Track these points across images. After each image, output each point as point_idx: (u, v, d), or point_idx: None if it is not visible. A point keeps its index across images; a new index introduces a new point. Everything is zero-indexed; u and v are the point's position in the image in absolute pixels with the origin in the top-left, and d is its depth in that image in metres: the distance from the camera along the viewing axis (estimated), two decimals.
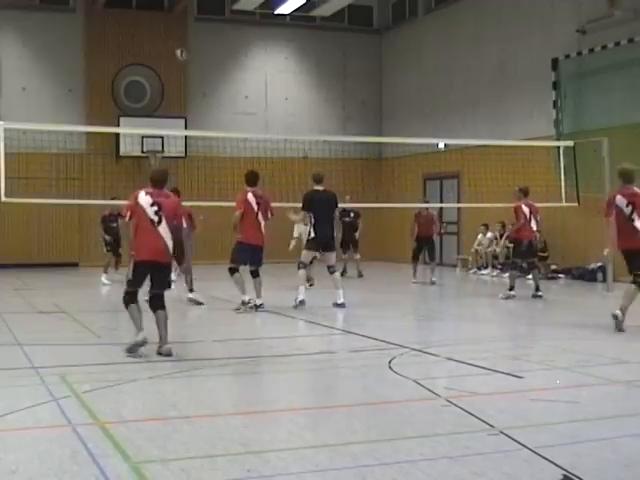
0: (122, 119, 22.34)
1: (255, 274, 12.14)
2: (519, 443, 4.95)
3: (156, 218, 8.13)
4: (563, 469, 4.45)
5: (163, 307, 8.30)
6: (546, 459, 4.64)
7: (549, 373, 7.49)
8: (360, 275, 18.63)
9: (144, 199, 8.21)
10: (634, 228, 10.01)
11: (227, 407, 6.17)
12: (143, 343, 8.09)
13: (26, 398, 6.19)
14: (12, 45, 22.58)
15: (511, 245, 16.67)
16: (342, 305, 12.33)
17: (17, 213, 20.63)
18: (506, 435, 5.14)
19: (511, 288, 13.99)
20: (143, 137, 22.18)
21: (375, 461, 4.63)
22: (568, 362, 7.89)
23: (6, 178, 12.96)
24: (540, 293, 14.04)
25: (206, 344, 9.34)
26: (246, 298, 11.98)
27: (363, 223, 19.26)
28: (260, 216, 12.01)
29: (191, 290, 13.16)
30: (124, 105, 23.46)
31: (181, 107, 23.61)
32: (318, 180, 12.62)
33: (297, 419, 5.74)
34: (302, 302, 12.25)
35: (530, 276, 15.35)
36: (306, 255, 12.66)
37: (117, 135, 22.07)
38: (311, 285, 14.65)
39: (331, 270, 12.55)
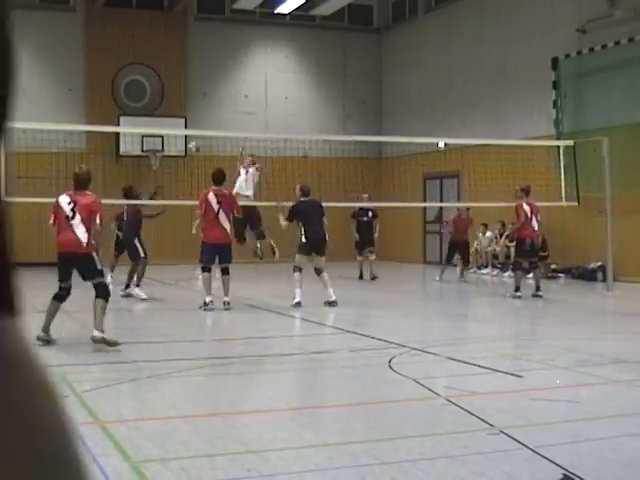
0: (122, 118, 22.34)
1: (224, 271, 12.25)
2: (519, 442, 4.95)
3: (70, 214, 8.69)
4: (563, 468, 4.45)
5: (102, 296, 8.57)
6: (546, 458, 4.63)
7: (549, 373, 7.49)
8: (373, 277, 17.89)
9: (63, 199, 8.89)
10: None
11: (227, 406, 6.17)
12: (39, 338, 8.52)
13: None
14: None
15: (512, 245, 16.66)
16: (334, 303, 12.34)
17: (17, 212, 20.57)
18: (506, 434, 5.14)
19: (517, 289, 13.94)
20: (143, 136, 22.18)
21: (375, 460, 4.63)
22: (568, 362, 7.89)
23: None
24: (540, 293, 14.04)
25: (206, 343, 9.35)
26: (207, 299, 12.00)
27: (380, 223, 18.73)
28: (222, 215, 12.09)
29: (137, 285, 13.61)
30: (124, 104, 23.46)
31: (181, 106, 23.62)
32: (306, 193, 12.89)
33: (297, 418, 5.74)
34: (299, 304, 12.27)
35: (530, 275, 15.36)
36: (299, 259, 12.66)
37: (117, 134, 22.07)
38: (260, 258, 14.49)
39: (318, 272, 12.60)
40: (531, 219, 14.25)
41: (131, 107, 23.42)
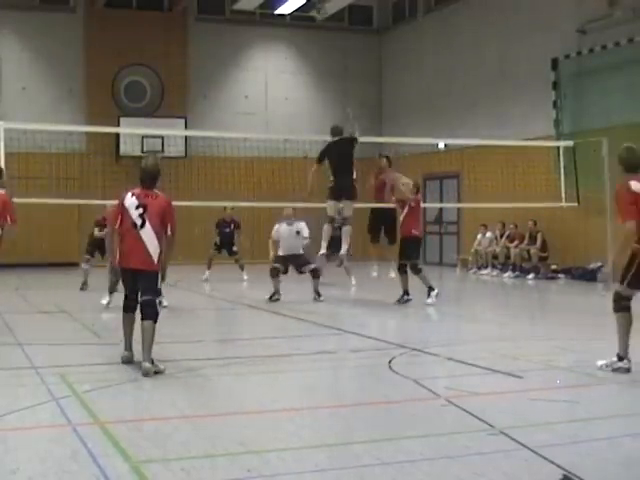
0: (122, 119, 22.34)
1: None
2: (519, 443, 4.95)
3: (139, 221, 7.43)
4: (563, 469, 4.46)
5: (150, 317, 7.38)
6: (546, 459, 4.64)
7: (549, 373, 7.49)
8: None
9: (130, 201, 7.55)
10: None
11: (227, 407, 6.17)
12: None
13: (26, 398, 6.19)
14: (12, 45, 22.57)
15: (512, 245, 16.38)
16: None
17: (17, 213, 20.61)
18: (506, 435, 5.14)
19: (430, 289, 12.95)
20: (143, 137, 22.19)
21: (375, 461, 4.63)
22: (568, 362, 7.90)
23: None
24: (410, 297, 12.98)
25: (206, 344, 9.34)
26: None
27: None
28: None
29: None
30: (124, 105, 23.46)
31: (181, 107, 23.61)
32: (336, 132, 13.05)
33: (297, 419, 5.74)
34: (323, 255, 12.54)
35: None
36: (330, 207, 12.64)
37: (117, 135, 22.07)
38: (276, 299, 13.08)
39: (344, 222, 12.72)
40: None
41: (131, 108, 23.42)
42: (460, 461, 4.65)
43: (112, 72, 23.23)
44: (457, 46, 22.64)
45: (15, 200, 14.34)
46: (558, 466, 4.50)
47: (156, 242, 7.40)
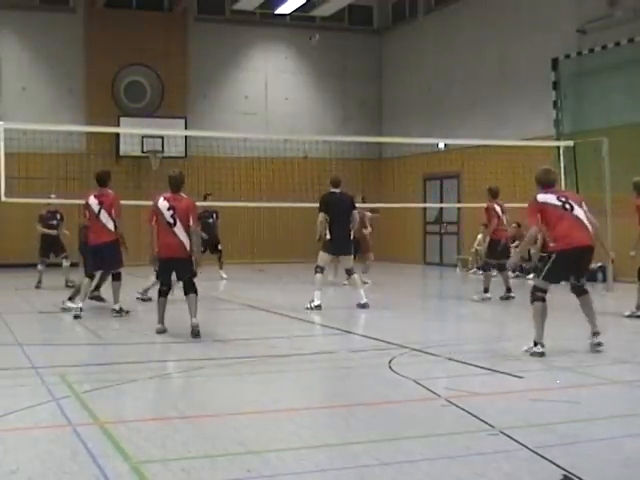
0: (122, 119, 22.34)
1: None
2: (519, 443, 4.95)
3: (171, 220, 9.32)
4: (563, 469, 4.45)
5: (194, 291, 9.59)
6: (546, 459, 4.64)
7: (549, 373, 7.50)
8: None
9: (162, 204, 9.41)
10: None
11: (227, 407, 6.17)
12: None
13: (26, 398, 6.19)
14: (12, 45, 22.57)
15: (514, 245, 16.35)
16: (365, 305, 12.17)
17: (17, 213, 20.63)
18: (506, 435, 5.14)
19: (486, 290, 13.57)
20: (143, 137, 22.19)
21: (375, 461, 4.63)
22: (568, 362, 7.89)
23: (6, 178, 12.96)
24: (512, 294, 13.62)
25: (206, 344, 9.33)
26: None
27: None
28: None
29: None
30: (124, 105, 23.46)
31: (181, 107, 23.61)
32: (335, 184, 12.46)
33: (297, 419, 5.73)
34: (318, 307, 12.01)
35: (512, 275, 15.03)
36: (322, 258, 12.39)
37: (117, 135, 22.06)
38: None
39: (349, 272, 12.46)
40: (502, 220, 13.82)
41: (131, 108, 23.42)
42: (460, 461, 4.65)
43: (112, 72, 23.22)
44: (457, 46, 22.64)
45: (15, 200, 14.40)
46: (558, 466, 4.50)
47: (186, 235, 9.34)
